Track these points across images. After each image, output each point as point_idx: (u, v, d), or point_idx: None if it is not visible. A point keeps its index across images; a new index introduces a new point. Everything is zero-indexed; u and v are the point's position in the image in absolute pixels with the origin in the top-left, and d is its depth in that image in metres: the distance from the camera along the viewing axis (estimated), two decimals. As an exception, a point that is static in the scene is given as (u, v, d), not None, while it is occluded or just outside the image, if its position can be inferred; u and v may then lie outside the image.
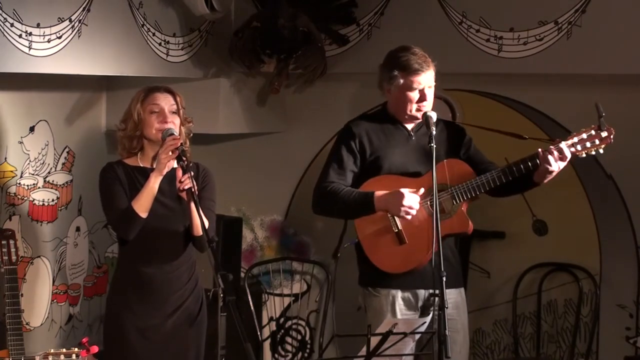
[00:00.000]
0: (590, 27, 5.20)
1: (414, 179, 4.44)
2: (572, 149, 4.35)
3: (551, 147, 4.32)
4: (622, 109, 5.41)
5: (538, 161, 4.33)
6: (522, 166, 4.36)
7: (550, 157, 4.30)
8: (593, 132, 4.38)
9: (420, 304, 4.47)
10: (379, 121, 4.53)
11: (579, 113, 5.46)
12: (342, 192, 4.43)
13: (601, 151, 4.39)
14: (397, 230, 4.42)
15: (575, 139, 4.37)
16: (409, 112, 4.43)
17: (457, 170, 4.41)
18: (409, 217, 4.34)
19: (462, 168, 4.44)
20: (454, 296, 4.42)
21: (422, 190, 4.33)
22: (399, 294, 4.46)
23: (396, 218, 4.39)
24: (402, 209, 4.32)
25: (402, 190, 4.32)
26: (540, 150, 4.33)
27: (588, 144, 4.36)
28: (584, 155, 4.39)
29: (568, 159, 4.34)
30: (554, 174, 4.36)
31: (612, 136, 4.36)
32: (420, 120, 4.44)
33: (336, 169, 4.49)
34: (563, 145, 4.33)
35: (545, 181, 4.40)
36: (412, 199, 4.31)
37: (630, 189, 5.48)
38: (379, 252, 4.48)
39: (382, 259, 4.46)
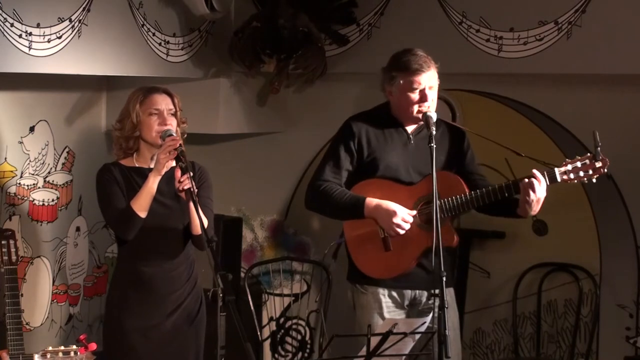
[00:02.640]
0: (590, 27, 5.20)
1: (407, 186, 4.44)
2: (565, 177, 4.27)
3: (532, 180, 4.24)
4: (622, 109, 5.42)
5: (519, 188, 4.28)
6: (505, 192, 4.31)
7: (529, 190, 4.23)
8: (588, 161, 4.27)
9: (406, 302, 4.50)
10: (380, 121, 4.50)
11: (579, 113, 5.47)
12: (335, 193, 4.43)
13: (594, 180, 4.29)
14: (383, 237, 4.42)
15: (570, 167, 4.27)
16: (410, 114, 4.41)
17: (448, 184, 4.37)
18: (396, 234, 4.36)
19: (453, 182, 4.40)
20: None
21: (414, 212, 4.36)
22: (385, 292, 4.47)
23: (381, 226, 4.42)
24: (392, 226, 4.35)
25: (396, 208, 4.34)
26: (525, 180, 4.27)
27: (581, 173, 4.27)
28: (575, 182, 4.31)
29: (541, 196, 4.25)
30: (536, 205, 4.29)
31: (605, 168, 4.25)
32: (422, 121, 4.43)
33: (332, 167, 4.49)
34: (555, 171, 4.27)
35: (533, 212, 4.32)
36: (404, 219, 4.34)
37: (630, 189, 5.48)
38: (363, 256, 4.49)
39: (366, 263, 4.49)
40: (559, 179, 4.29)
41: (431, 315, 3.91)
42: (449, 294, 4.52)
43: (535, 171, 4.28)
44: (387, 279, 4.45)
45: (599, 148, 4.24)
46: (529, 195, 4.25)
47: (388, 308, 4.47)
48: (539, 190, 4.25)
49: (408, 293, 4.48)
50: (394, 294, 4.48)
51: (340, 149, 4.49)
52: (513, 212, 4.39)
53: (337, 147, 4.50)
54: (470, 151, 4.58)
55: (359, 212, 4.40)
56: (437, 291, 3.86)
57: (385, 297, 4.47)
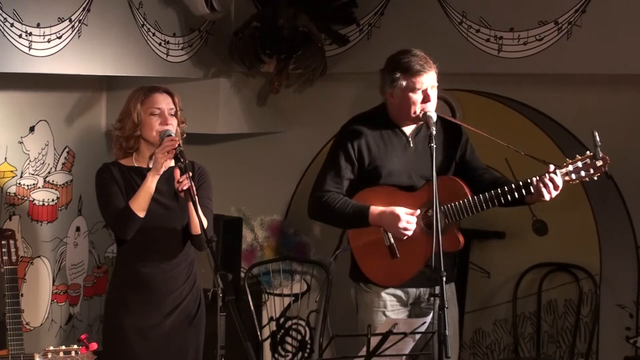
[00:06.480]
0: (590, 27, 5.20)
1: (409, 192, 4.44)
2: (566, 178, 4.28)
3: (545, 178, 4.26)
4: (622, 109, 5.42)
5: (532, 189, 4.29)
6: (516, 194, 4.31)
7: (544, 190, 4.26)
8: (588, 160, 4.27)
9: (410, 301, 4.50)
10: (378, 125, 4.49)
11: (579, 113, 5.47)
12: (338, 203, 4.44)
13: (595, 178, 4.30)
14: (388, 244, 4.42)
15: (570, 167, 4.27)
16: (413, 115, 4.40)
17: (451, 188, 4.37)
18: (404, 237, 4.36)
19: (456, 186, 4.39)
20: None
21: (418, 211, 4.36)
22: (390, 291, 4.48)
23: (389, 232, 4.41)
24: (399, 230, 4.35)
25: (399, 211, 4.35)
26: (534, 180, 4.28)
27: (582, 173, 4.27)
28: (576, 182, 4.32)
29: (560, 189, 4.28)
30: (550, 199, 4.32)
31: (606, 166, 4.25)
32: (422, 121, 4.42)
33: (333, 176, 4.48)
34: (557, 173, 4.26)
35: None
36: (408, 221, 4.35)
37: (630, 189, 5.48)
38: (370, 264, 4.50)
39: (373, 271, 4.49)
40: (559, 183, 4.29)
41: (431, 315, 3.92)
42: (450, 289, 4.53)
43: (552, 172, 4.28)
44: None
45: (599, 147, 4.24)
46: (543, 196, 4.28)
47: (392, 306, 4.48)
48: (554, 193, 4.28)
49: (413, 291, 4.48)
50: (399, 292, 4.49)
51: (341, 157, 4.47)
52: (522, 203, 4.40)
53: (337, 156, 4.49)
54: (470, 146, 4.57)
55: (363, 222, 4.41)
56: (436, 291, 3.87)
57: (389, 295, 4.48)
